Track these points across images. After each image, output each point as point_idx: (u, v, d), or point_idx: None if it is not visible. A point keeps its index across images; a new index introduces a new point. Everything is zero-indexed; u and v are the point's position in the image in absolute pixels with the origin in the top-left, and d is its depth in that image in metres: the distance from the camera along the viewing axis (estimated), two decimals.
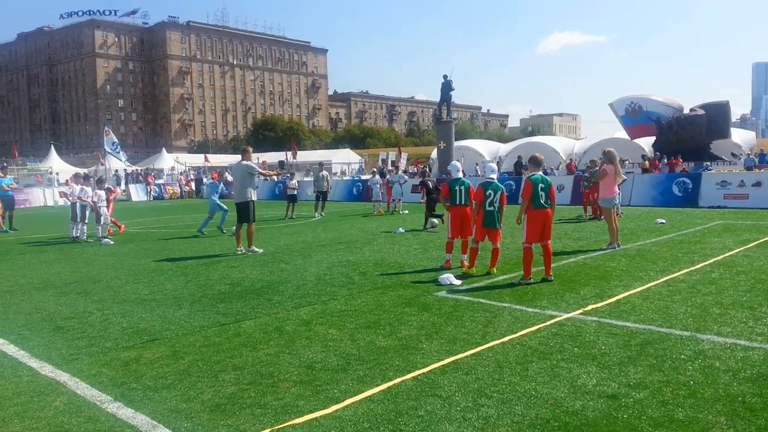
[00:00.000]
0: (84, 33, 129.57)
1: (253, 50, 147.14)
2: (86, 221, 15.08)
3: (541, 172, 8.54)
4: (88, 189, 15.57)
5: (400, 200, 22.38)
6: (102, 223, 15.29)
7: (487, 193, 8.76)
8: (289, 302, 7.37)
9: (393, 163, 47.06)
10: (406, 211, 21.45)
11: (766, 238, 11.85)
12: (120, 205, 16.38)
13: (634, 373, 4.62)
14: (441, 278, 8.32)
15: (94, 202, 14.96)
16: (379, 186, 23.06)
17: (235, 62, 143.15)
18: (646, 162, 32.39)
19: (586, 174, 18.37)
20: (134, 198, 39.74)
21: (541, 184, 8.22)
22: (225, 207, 15.95)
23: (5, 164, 36.66)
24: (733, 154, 39.37)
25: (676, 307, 6.62)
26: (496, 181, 8.99)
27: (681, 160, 31.02)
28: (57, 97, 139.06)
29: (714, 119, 35.38)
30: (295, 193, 21.59)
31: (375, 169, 30.59)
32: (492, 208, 8.79)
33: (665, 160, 32.51)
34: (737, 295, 7.11)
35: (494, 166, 9.57)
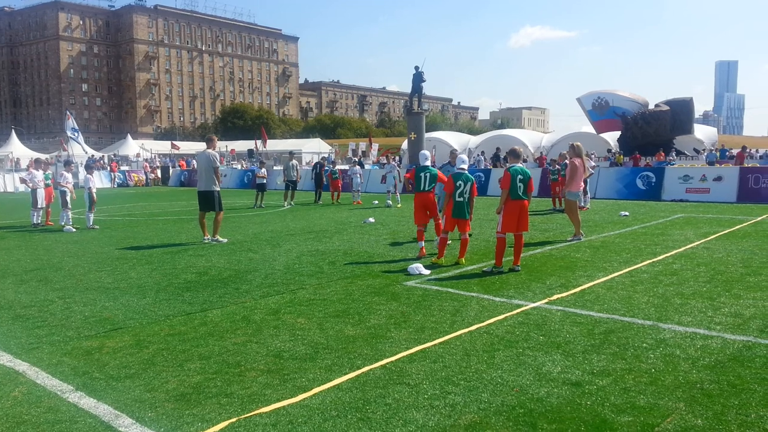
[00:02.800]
0: (47, 14, 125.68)
1: (222, 36, 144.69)
2: (69, 207, 14.62)
3: (520, 164, 8.65)
4: (68, 175, 15.20)
5: (390, 192, 20.87)
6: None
7: (457, 184, 8.80)
8: (257, 291, 7.31)
9: (363, 153, 47.07)
10: (399, 205, 20.16)
11: (725, 231, 12.19)
12: (80, 192, 15.89)
13: (598, 360, 4.71)
14: (410, 268, 8.34)
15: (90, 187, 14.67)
16: (358, 176, 22.80)
17: (203, 48, 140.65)
18: (620, 156, 32.95)
19: (557, 166, 18.51)
20: (97, 185, 38.84)
21: (519, 176, 8.33)
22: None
23: None
24: (695, 150, 40.29)
25: (638, 297, 6.77)
26: (466, 172, 9.04)
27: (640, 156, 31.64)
28: (18, 80, 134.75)
29: (678, 115, 36.18)
30: (265, 182, 21.37)
31: (355, 159, 30.08)
32: (462, 199, 8.83)
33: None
34: (697, 285, 7.30)
35: (465, 157, 9.61)
